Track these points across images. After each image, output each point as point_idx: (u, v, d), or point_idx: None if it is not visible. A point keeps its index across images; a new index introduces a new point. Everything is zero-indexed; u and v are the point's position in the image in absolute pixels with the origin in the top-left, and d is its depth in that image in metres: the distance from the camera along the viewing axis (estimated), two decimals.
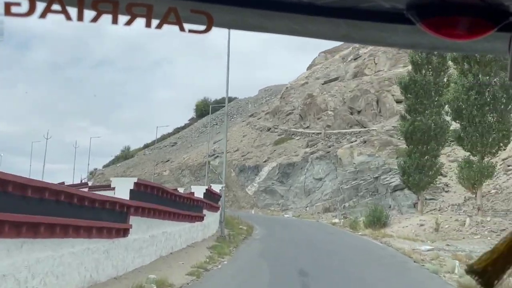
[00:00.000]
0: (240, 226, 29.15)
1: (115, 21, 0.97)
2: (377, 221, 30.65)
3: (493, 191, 38.13)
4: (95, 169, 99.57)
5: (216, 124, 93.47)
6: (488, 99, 31.52)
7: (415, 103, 37.40)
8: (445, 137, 37.79)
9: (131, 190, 13.15)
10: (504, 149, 33.25)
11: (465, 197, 40.71)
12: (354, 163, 51.67)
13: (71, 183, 47.97)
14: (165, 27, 1.01)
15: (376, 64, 70.32)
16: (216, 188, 27.36)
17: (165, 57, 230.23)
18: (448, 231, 27.51)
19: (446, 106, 35.39)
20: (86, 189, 25.33)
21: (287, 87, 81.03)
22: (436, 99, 37.47)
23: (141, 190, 13.80)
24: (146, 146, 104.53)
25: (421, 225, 28.80)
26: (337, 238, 25.11)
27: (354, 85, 66.54)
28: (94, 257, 11.06)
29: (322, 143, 59.03)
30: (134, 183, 13.29)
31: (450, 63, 37.16)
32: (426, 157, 37.05)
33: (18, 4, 0.93)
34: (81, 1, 0.95)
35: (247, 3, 1.13)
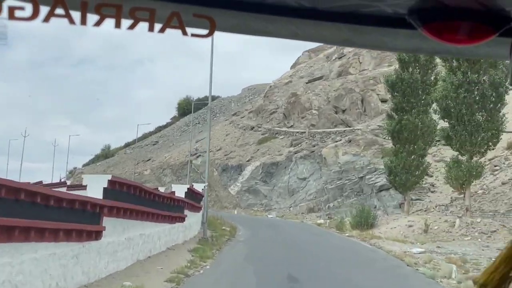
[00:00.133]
0: (223, 227, 28.04)
1: (118, 25, 0.97)
2: (364, 222, 29.75)
3: (480, 191, 37.55)
4: (75, 168, 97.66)
5: (199, 123, 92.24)
6: (477, 98, 30.83)
7: (402, 102, 36.66)
8: (432, 137, 37.14)
9: (104, 188, 11.98)
10: (493, 149, 32.63)
11: (451, 198, 40.11)
12: (339, 163, 50.86)
13: (50, 182, 46.48)
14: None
15: (360, 63, 69.68)
16: (199, 187, 26.23)
17: (147, 56, 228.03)
18: (437, 233, 26.72)
19: (434, 104, 34.73)
20: (64, 188, 24.05)
21: (270, 86, 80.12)
22: (424, 97, 36.79)
23: (116, 188, 12.63)
24: (127, 145, 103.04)
25: (410, 226, 27.98)
26: (324, 240, 24.13)
27: (338, 84, 65.82)
28: (61, 263, 9.89)
29: (306, 142, 58.16)
30: (108, 180, 12.11)
31: (437, 60, 36.51)
32: (413, 157, 36.34)
33: (22, 8, 0.93)
34: (84, 5, 0.95)
35: (250, 7, 1.13)
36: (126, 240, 13.46)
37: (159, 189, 23.54)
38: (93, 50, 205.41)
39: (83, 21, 0.95)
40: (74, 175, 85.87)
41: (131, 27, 0.98)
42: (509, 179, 37.14)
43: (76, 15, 0.95)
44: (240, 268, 14.64)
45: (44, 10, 0.93)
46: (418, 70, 36.88)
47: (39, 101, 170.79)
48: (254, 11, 1.14)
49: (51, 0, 0.94)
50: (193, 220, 22.82)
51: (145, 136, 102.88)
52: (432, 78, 37.24)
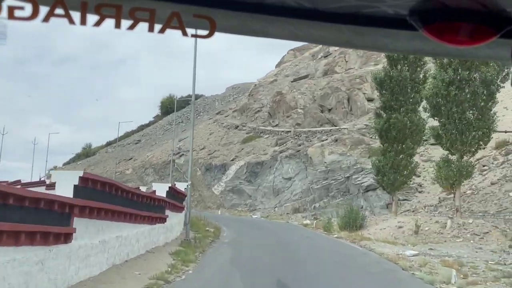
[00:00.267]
0: (207, 228, 26.88)
1: (118, 25, 0.97)
2: (353, 222, 28.79)
3: (468, 191, 36.85)
4: (55, 167, 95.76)
5: (182, 121, 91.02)
6: (469, 95, 30.06)
7: (390, 100, 35.83)
8: (421, 136, 36.40)
9: (75, 186, 10.78)
10: (484, 148, 31.91)
11: (439, 198, 39.41)
12: (325, 162, 49.97)
13: (29, 181, 44.89)
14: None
15: (347, 62, 69.03)
16: (181, 186, 25.01)
17: (130, 55, 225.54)
18: (428, 234, 25.85)
19: (424, 102, 33.96)
20: (43, 188, 22.66)
21: (255, 85, 79.11)
22: (412, 95, 36.02)
23: (88, 186, 11.43)
24: (109, 143, 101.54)
25: (400, 227, 27.07)
26: (313, 241, 23.07)
27: (324, 83, 65.02)
28: (22, 269, 8.68)
29: (291, 142, 57.23)
30: (80, 177, 10.91)
31: (427, 58, 35.72)
32: (401, 156, 35.55)
33: (22, 8, 0.93)
34: (84, 5, 0.95)
35: (250, 8, 1.13)
36: (101, 243, 12.26)
37: (140, 188, 22.30)
38: (76, 49, 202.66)
39: (83, 21, 0.95)
40: None
41: (131, 27, 0.97)
42: (498, 179, 36.50)
43: (75, 15, 0.94)
44: (225, 273, 13.51)
45: (43, 10, 0.93)
46: (407, 68, 36.06)
47: (20, 99, 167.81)
48: (254, 12, 1.12)
49: (51, 0, 0.94)
50: (175, 220, 21.63)
51: (127, 135, 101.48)
52: (421, 76, 36.52)
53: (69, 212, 10.42)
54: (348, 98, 60.83)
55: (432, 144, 46.28)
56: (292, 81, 71.99)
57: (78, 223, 10.90)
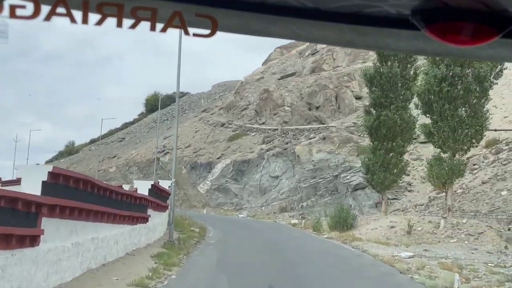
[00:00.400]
0: (192, 228, 25.76)
1: (119, 24, 0.97)
2: (343, 222, 27.84)
3: (459, 190, 36.14)
4: (37, 165, 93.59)
5: (167, 119, 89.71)
6: (461, 92, 29.26)
7: (380, 97, 35.01)
8: (411, 133, 35.63)
9: (44, 182, 9.63)
10: (477, 146, 31.18)
11: (429, 197, 38.70)
12: (312, 161, 49.08)
13: (10, 179, 43.36)
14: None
15: (334, 59, 68.24)
16: (165, 184, 23.85)
17: (116, 53, 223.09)
18: (421, 234, 25.00)
19: (414, 100, 33.21)
20: (19, 185, 21.33)
21: (242, 82, 78.03)
22: (403, 92, 35.24)
23: (59, 183, 10.27)
24: (93, 141, 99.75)
25: (392, 227, 26.19)
26: (303, 243, 22.04)
27: (312, 81, 64.10)
28: None
29: (279, 140, 56.25)
30: (49, 173, 9.75)
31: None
32: (391, 154, 34.77)
33: (23, 7, 0.94)
34: (86, 4, 0.95)
35: (252, 7, 1.13)
36: (74, 245, 11.11)
37: (123, 187, 21.10)
38: (61, 46, 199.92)
39: (85, 20, 0.94)
40: None
41: (133, 26, 0.97)
42: (489, 178, 35.84)
43: (77, 14, 0.94)
44: (211, 278, 12.41)
45: (45, 9, 0.92)
46: (397, 64, 35.26)
47: (2, 97, 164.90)
48: (256, 11, 1.12)
49: None
50: (158, 220, 20.48)
51: (111, 133, 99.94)
52: (412, 72, 35.77)
53: (36, 212, 9.27)
54: (336, 96, 59.99)
55: (421, 143, 45.65)
56: (279, 79, 71.00)
57: (48, 224, 9.76)
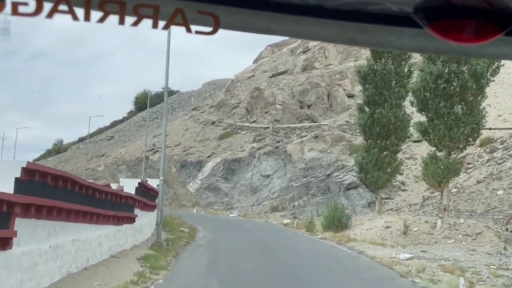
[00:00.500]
0: (181, 228, 24.90)
1: (122, 21, 0.97)
2: (338, 222, 27.08)
3: (454, 190, 35.51)
4: (9, 161, 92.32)
5: (157, 117, 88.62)
6: (458, 89, 28.60)
7: (374, 94, 34.31)
8: (405, 132, 34.97)
9: (17, 179, 8.73)
10: (473, 144, 30.55)
11: (423, 197, 38.10)
12: (304, 159, 48.32)
13: None
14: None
15: (326, 57, 67.55)
16: (154, 183, 22.97)
17: (105, 51, 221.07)
18: (417, 235, 24.30)
19: (409, 97, 32.57)
20: None
21: (232, 80, 77.20)
22: (397, 90, 34.57)
23: (35, 180, 9.38)
24: (81, 139, 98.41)
25: (387, 227, 25.46)
26: (297, 243, 21.21)
27: (303, 79, 63.39)
28: None
29: (270, 138, 55.46)
30: (23, 169, 8.85)
31: None
32: (385, 153, 34.10)
33: (26, 4, 0.93)
34: (88, 1, 0.96)
35: (254, 5, 1.13)
36: (52, 248, 10.23)
37: (111, 185, 20.16)
38: (49, 44, 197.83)
39: (87, 18, 0.94)
40: None
41: (135, 24, 0.97)
42: (484, 178, 35.27)
43: (79, 11, 0.94)
44: (201, 283, 11.56)
45: (47, 6, 0.92)
46: (391, 61, 34.55)
47: None
48: (258, 9, 1.12)
49: None
50: (145, 220, 19.60)
51: (100, 131, 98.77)
52: (406, 70, 35.13)
53: (8, 212, 8.39)
54: (328, 94, 59.30)
55: (414, 141, 45.09)
56: (270, 77, 70.25)
57: (22, 225, 8.88)
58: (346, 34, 1.22)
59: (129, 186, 17.89)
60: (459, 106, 29.04)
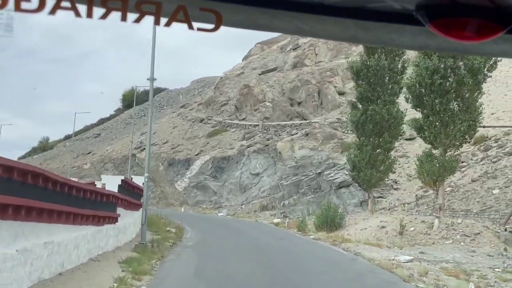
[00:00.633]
0: (168, 228, 23.78)
1: (124, 18, 0.97)
2: (331, 222, 26.10)
3: (448, 189, 34.69)
4: None
5: (144, 115, 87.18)
6: (454, 85, 27.74)
7: (367, 90, 33.40)
8: (399, 129, 34.10)
9: None
10: (470, 142, 29.72)
11: (416, 196, 37.29)
12: (295, 157, 47.35)
13: None
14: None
15: (316, 54, 66.67)
16: (140, 180, 21.83)
17: (94, 49, 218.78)
18: (414, 235, 23.39)
19: (404, 93, 31.70)
20: None
21: (221, 77, 76.05)
22: (390, 86, 33.70)
23: None
24: (67, 137, 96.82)
25: (382, 227, 24.54)
26: (289, 244, 20.15)
27: (294, 76, 62.43)
28: None
29: (259, 136, 54.44)
30: None
31: None
32: (378, 151, 33.21)
33: (28, 0, 0.94)
34: None
35: (256, 2, 1.12)
36: (20, 252, 9.08)
37: (96, 184, 18.96)
38: (37, 41, 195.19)
39: (89, 14, 0.94)
40: None
41: (137, 20, 0.98)
42: (479, 176, 34.52)
43: (82, 8, 0.94)
44: None
45: (50, 2, 0.92)
46: (385, 57, 33.68)
47: None
48: (260, 6, 1.11)
49: None
50: (129, 220, 18.46)
51: (86, 129, 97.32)
52: (400, 66, 34.29)
53: None
54: (319, 92, 58.40)
55: (407, 139, 44.28)
56: (260, 74, 69.23)
57: None
58: (347, 32, 1.20)
59: (112, 183, 16.75)
60: (455, 103, 28.22)
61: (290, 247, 18.98)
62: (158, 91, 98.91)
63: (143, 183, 20.93)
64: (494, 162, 35.62)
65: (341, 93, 57.80)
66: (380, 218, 26.81)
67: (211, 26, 1.00)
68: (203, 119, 66.75)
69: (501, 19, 1.08)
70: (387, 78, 33.67)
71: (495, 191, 31.39)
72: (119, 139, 77.78)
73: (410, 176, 39.71)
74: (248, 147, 52.23)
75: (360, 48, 49.55)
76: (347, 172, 39.13)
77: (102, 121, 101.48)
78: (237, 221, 35.02)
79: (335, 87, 58.56)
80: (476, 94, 28.36)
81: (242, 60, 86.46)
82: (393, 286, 12.11)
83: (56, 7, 0.92)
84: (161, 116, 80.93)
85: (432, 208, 32.87)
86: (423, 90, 28.26)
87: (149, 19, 0.98)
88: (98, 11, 0.94)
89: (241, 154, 51.94)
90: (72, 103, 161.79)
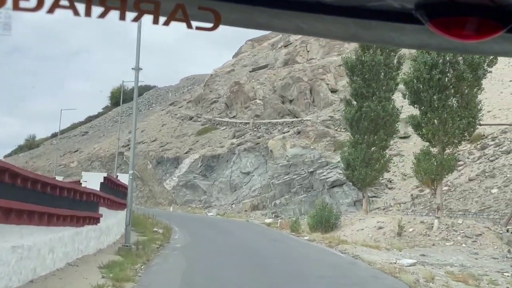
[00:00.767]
0: (155, 229, 22.59)
1: (123, 17, 0.97)
2: (326, 222, 25.03)
3: (445, 188, 33.77)
4: None
5: (132, 113, 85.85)
6: (453, 80, 26.79)
7: (362, 87, 32.45)
8: (395, 127, 33.17)
9: None
10: (469, 139, 28.79)
11: (411, 195, 36.36)
12: (286, 156, 46.28)
13: None
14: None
15: (308, 51, 65.63)
16: (125, 179, 20.61)
17: (83, 47, 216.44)
18: (413, 236, 22.40)
19: (397, 90, 30.80)
20: None
21: (211, 75, 74.85)
22: (386, 82, 32.74)
23: None
24: (54, 135, 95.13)
25: (380, 228, 23.52)
26: (284, 246, 19.03)
27: (285, 73, 61.38)
28: None
29: (250, 134, 53.32)
30: None
31: None
32: (373, 149, 32.25)
33: None
34: None
35: (255, 1, 1.12)
36: None
37: (81, 182, 17.73)
38: (26, 39, 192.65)
39: (88, 13, 0.94)
40: None
41: (136, 19, 0.97)
42: (476, 175, 33.64)
43: (80, 6, 0.94)
44: None
45: (48, 1, 0.92)
46: (380, 52, 32.69)
47: None
48: (259, 5, 1.11)
49: None
50: (113, 221, 17.26)
51: (74, 126, 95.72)
52: (395, 61, 33.36)
53: None
54: (311, 89, 57.35)
55: (401, 138, 43.40)
56: (250, 71, 68.12)
57: None
58: (347, 31, 1.20)
59: (94, 181, 15.55)
60: (454, 99, 27.28)
61: (285, 250, 17.85)
62: (147, 88, 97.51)
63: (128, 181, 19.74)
64: (492, 160, 34.79)
65: (333, 91, 56.84)
66: (376, 218, 25.79)
67: (209, 25, 0.98)
68: (192, 117, 65.56)
69: (500, 18, 1.06)
70: (382, 74, 32.77)
71: (493, 191, 30.53)
72: (107, 137, 76.43)
73: (405, 175, 38.81)
74: (239, 145, 51.12)
75: (352, 46, 48.66)
76: (340, 171, 38.19)
77: (89, 119, 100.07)
78: (227, 221, 33.87)
79: (327, 84, 57.57)
80: (475, 90, 27.43)
81: (233, 58, 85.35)
82: None
83: (55, 5, 0.90)
84: (149, 114, 79.64)
85: (429, 208, 31.98)
86: (421, 86, 27.29)
87: (148, 18, 0.94)
88: (96, 10, 0.92)
89: (231, 152, 50.82)
90: (61, 101, 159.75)
